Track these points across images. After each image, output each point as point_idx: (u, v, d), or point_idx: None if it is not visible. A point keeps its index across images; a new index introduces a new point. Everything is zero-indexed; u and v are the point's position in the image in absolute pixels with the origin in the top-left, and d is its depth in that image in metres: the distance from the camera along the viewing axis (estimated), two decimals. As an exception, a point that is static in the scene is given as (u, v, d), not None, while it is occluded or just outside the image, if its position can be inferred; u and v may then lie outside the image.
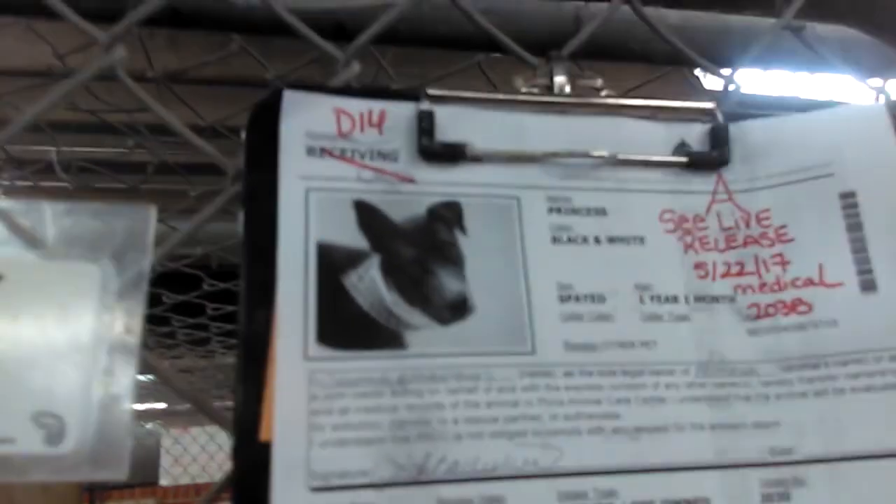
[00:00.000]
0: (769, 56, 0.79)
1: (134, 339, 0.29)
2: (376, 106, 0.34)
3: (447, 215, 0.33)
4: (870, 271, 0.35)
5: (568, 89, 0.38)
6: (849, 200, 0.36)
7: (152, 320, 1.37)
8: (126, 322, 0.29)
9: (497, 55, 0.72)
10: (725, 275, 0.36)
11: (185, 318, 1.38)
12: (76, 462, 0.27)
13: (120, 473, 0.27)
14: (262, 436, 0.28)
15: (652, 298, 0.34)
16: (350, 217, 0.32)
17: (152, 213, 0.30)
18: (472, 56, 0.77)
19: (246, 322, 0.29)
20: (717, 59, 0.46)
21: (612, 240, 0.35)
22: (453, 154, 0.34)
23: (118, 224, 0.30)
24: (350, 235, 0.32)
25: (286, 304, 0.30)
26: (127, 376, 0.28)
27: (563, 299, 0.33)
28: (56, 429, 0.27)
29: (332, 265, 0.31)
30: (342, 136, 0.33)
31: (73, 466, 0.27)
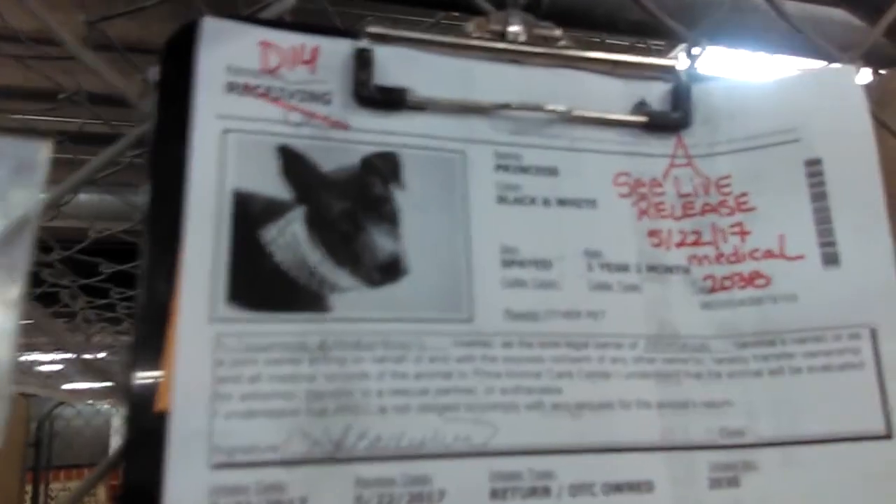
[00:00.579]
0: (736, 34, 0.77)
1: (16, 288, 0.26)
2: (308, 41, 0.30)
3: (383, 167, 0.30)
4: (833, 244, 0.33)
5: (523, 40, 0.36)
6: (814, 168, 0.34)
7: (90, 291, 1.31)
8: (8, 270, 0.26)
9: (457, 16, 0.69)
10: (681, 244, 0.34)
11: (125, 290, 1.32)
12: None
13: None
14: (159, 405, 0.25)
15: (601, 266, 0.32)
16: (272, 164, 0.29)
17: (44, 148, 0.27)
18: (433, 14, 0.74)
19: (145, 277, 0.26)
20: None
21: (562, 202, 0.32)
22: (393, 100, 0.31)
23: (3, 159, 0.27)
24: (271, 184, 0.28)
25: (193, 258, 0.26)
26: (6, 328, 0.25)
27: (507, 264, 0.31)
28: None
29: (248, 216, 0.28)
30: (268, 72, 0.30)
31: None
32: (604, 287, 0.32)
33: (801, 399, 0.31)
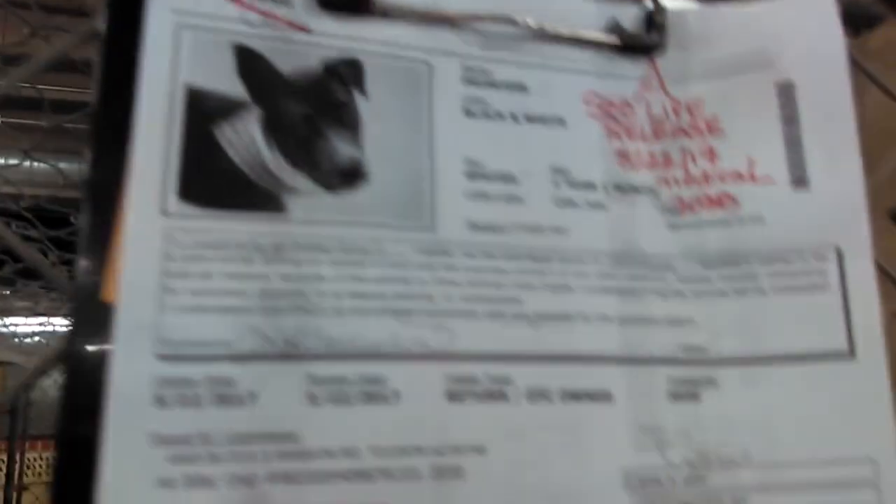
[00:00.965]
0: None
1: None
2: (268, -61, 0.30)
3: (345, 73, 0.30)
4: (802, 166, 0.33)
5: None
6: (786, 91, 0.34)
7: (62, 245, 1.29)
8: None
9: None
10: (649, 166, 0.33)
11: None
12: None
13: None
14: (106, 296, 0.24)
15: (568, 183, 0.32)
16: (228, 62, 0.28)
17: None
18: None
19: (93, 168, 0.26)
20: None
21: (530, 118, 0.32)
22: (358, 4, 0.30)
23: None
24: (226, 82, 0.28)
25: (143, 152, 0.26)
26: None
27: (471, 176, 0.30)
28: None
29: (202, 113, 0.27)
30: (225, -30, 0.29)
31: None
32: (569, 204, 0.31)
33: (765, 319, 0.31)
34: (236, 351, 0.25)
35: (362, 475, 0.25)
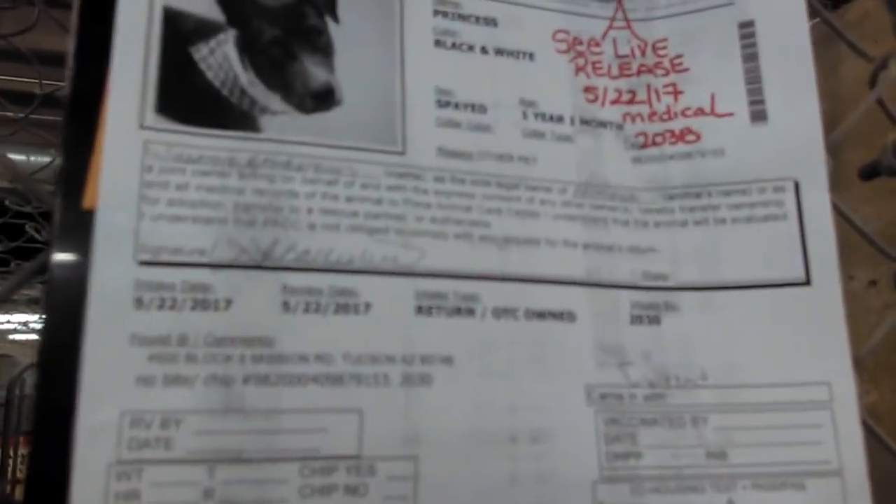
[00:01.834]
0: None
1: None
2: None
3: None
4: (762, 102, 0.36)
5: None
6: (747, 30, 0.37)
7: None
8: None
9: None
10: (615, 102, 0.36)
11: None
12: None
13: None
14: (87, 203, 0.27)
15: (536, 116, 0.34)
16: (204, -15, 0.30)
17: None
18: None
19: (74, 79, 0.28)
20: None
21: (499, 52, 0.35)
22: (329, -65, 0.33)
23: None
24: (204, 5, 0.30)
25: (122, 68, 0.28)
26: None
27: (442, 104, 0.33)
28: None
29: (179, 33, 0.29)
30: None
31: None
32: (537, 135, 0.34)
33: (725, 248, 0.34)
34: (213, 259, 0.27)
35: (334, 380, 0.28)
